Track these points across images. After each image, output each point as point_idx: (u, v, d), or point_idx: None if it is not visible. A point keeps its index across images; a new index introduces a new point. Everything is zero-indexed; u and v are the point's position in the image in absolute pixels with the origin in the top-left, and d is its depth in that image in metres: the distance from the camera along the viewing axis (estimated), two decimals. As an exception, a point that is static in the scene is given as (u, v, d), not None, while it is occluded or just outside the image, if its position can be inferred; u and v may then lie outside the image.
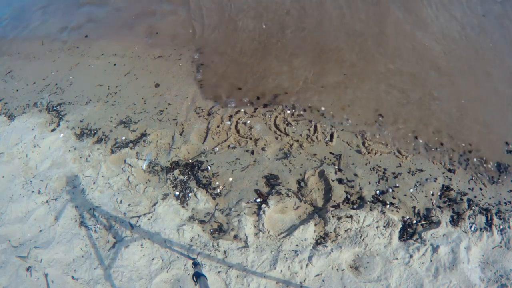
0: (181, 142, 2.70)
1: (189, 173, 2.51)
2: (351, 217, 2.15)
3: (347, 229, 2.12)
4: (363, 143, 2.61)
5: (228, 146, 2.66)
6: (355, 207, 2.24)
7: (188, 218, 2.28)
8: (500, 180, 2.38)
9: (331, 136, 2.66)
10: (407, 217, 2.19)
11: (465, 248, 2.03)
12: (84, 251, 2.21)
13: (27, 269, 2.13)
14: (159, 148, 2.71)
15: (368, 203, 2.24)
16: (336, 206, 2.23)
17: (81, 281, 2.07)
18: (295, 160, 2.52)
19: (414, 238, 2.09)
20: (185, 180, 2.47)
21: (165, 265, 2.06)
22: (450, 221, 2.16)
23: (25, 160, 2.80)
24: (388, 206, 2.23)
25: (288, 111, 2.86)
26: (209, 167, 2.53)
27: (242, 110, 2.91)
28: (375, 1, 3.76)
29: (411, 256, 2.00)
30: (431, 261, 1.99)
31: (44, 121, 3.12)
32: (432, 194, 2.30)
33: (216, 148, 2.65)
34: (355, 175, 2.40)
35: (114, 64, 3.63)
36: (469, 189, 2.33)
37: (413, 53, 3.25)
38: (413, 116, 2.77)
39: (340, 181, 2.38)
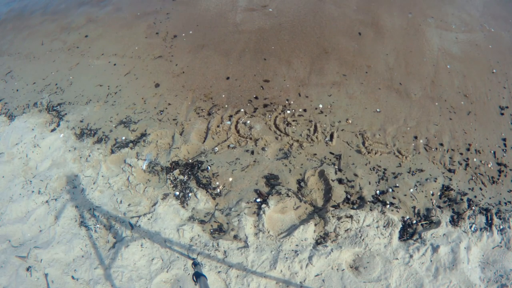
0: (181, 142, 2.70)
1: (189, 173, 2.51)
2: (351, 217, 2.15)
3: (347, 229, 2.12)
4: (363, 143, 2.61)
5: (228, 146, 2.66)
6: (355, 207, 2.24)
7: (188, 218, 2.28)
8: (500, 180, 2.38)
9: (331, 136, 2.66)
10: (407, 217, 2.19)
11: (465, 248, 2.03)
12: (84, 251, 2.20)
13: (27, 269, 2.13)
14: (159, 148, 2.71)
15: (368, 203, 2.24)
16: (336, 206, 2.23)
17: (81, 281, 2.07)
18: (295, 160, 2.52)
19: (414, 238, 2.09)
20: (185, 180, 2.47)
21: (165, 265, 2.06)
22: (450, 221, 2.16)
23: (25, 160, 2.80)
24: (388, 206, 2.23)
25: (288, 111, 2.86)
26: (209, 167, 2.53)
27: (242, 110, 2.91)
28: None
29: (411, 256, 2.00)
30: (431, 261, 1.99)
31: (44, 121, 3.12)
32: (432, 194, 2.30)
33: (216, 148, 2.65)
34: (355, 175, 2.40)
35: (114, 64, 3.63)
36: (469, 189, 2.33)
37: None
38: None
39: (340, 181, 2.38)
